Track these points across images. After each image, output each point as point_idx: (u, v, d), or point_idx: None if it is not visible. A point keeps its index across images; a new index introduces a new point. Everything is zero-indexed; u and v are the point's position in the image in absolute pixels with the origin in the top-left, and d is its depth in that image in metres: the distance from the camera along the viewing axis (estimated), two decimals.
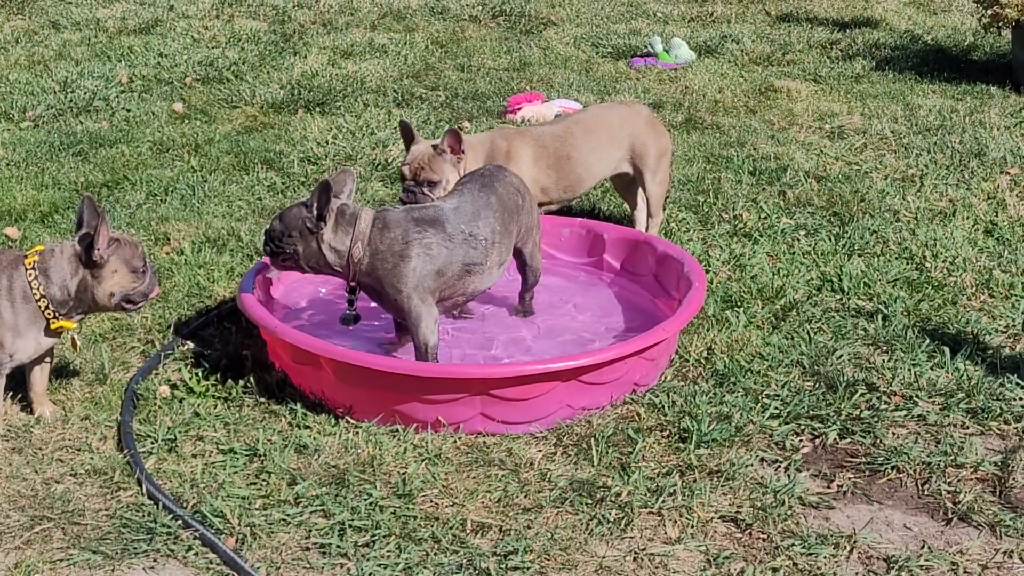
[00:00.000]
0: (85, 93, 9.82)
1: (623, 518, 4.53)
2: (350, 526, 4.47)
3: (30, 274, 4.90)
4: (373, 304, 5.51)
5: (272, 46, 11.59)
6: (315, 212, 5.18)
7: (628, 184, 6.93)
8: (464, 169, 6.15)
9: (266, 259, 5.54)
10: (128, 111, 9.52)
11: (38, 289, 4.89)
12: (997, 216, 7.35)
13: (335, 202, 5.30)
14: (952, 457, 4.90)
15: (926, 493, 4.73)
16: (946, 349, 5.69)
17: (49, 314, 4.92)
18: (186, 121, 9.32)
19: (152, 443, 5.01)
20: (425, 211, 5.36)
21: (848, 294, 6.30)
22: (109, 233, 4.92)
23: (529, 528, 4.47)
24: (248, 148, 8.59)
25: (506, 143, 6.42)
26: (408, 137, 6.21)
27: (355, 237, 5.23)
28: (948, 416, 5.20)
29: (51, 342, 5.07)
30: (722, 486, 4.71)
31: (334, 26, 12.49)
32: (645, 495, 4.65)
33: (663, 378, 5.50)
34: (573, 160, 6.53)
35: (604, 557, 4.34)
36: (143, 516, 4.54)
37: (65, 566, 4.30)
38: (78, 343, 5.33)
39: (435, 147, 6.10)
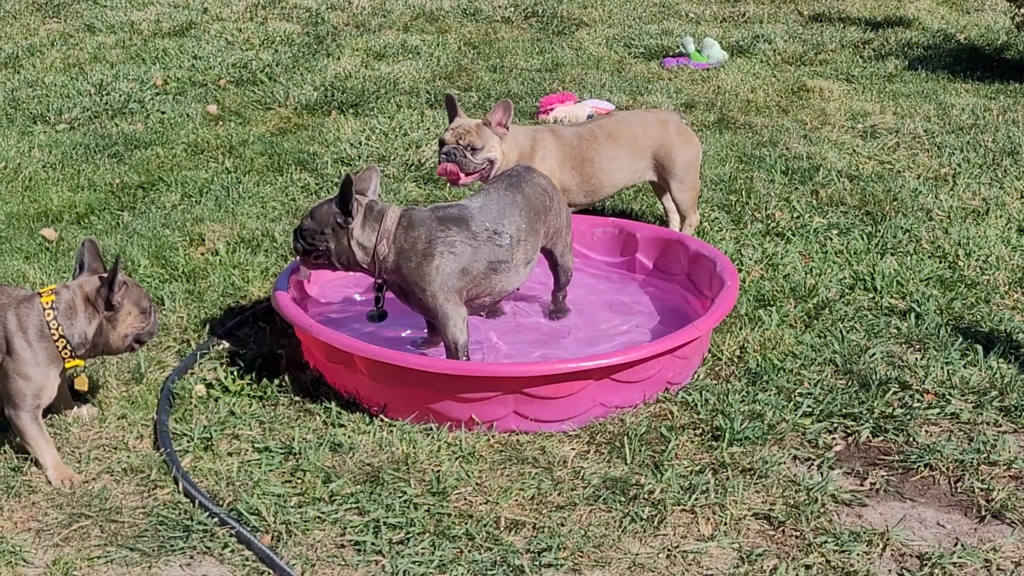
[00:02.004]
0: (120, 95, 9.87)
1: (656, 515, 4.54)
2: (384, 523, 4.49)
3: (48, 313, 4.85)
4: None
5: (305, 48, 11.63)
6: (341, 207, 5.23)
7: (662, 188, 6.94)
8: (504, 150, 6.22)
9: (298, 258, 5.56)
10: (163, 113, 9.58)
11: (56, 329, 4.85)
12: None
13: (363, 199, 5.33)
14: (985, 455, 4.90)
15: (959, 491, 4.73)
16: (979, 347, 5.68)
17: (66, 354, 4.89)
18: (220, 123, 9.37)
19: (188, 441, 5.05)
20: (450, 210, 5.38)
21: (881, 293, 6.29)
22: (121, 279, 4.93)
23: (563, 525, 4.49)
24: (282, 149, 8.63)
25: (538, 138, 6.46)
26: (452, 112, 6.29)
27: (380, 234, 5.26)
28: (981, 414, 5.20)
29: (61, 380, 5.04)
30: (755, 484, 4.72)
31: (367, 28, 12.53)
32: (678, 493, 4.66)
33: (696, 376, 5.51)
34: (595, 164, 6.54)
35: (637, 554, 4.35)
36: (180, 514, 4.58)
37: (103, 563, 4.34)
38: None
39: (484, 121, 6.19)
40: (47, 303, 4.86)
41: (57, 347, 4.85)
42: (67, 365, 4.93)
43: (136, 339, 5.05)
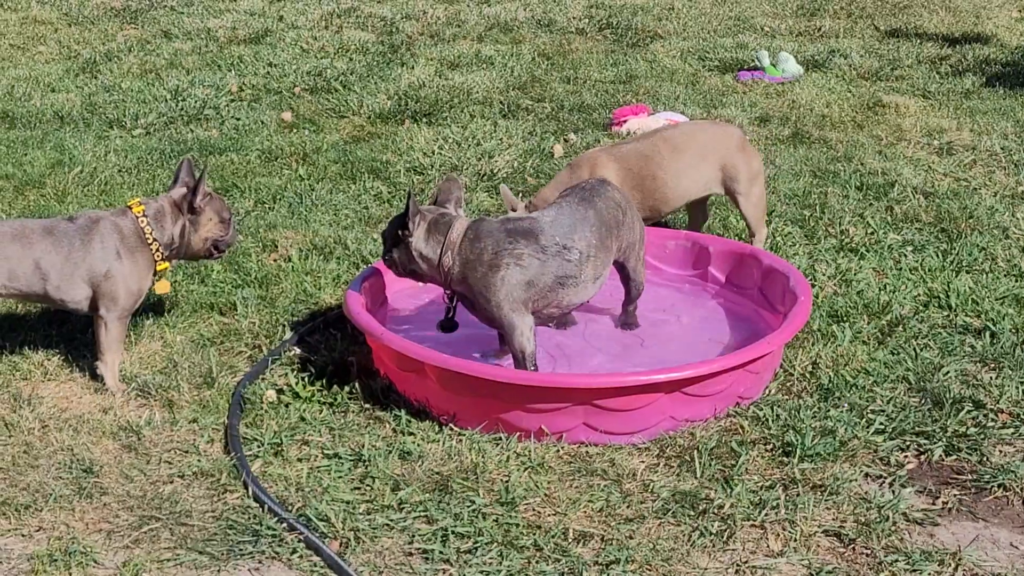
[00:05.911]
0: (196, 102, 9.95)
1: (725, 530, 4.52)
2: (453, 532, 4.50)
3: (142, 220, 5.51)
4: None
5: (380, 57, 11.67)
6: (399, 220, 5.33)
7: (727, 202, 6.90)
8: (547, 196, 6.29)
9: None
10: (237, 120, 9.64)
11: (150, 234, 5.51)
12: None
13: (434, 210, 5.36)
14: None
15: None
16: None
17: (159, 256, 5.54)
18: (294, 130, 9.42)
19: (258, 447, 5.07)
20: (520, 222, 5.37)
21: (955, 311, 6.23)
22: (205, 188, 5.59)
23: (631, 538, 4.48)
24: (355, 157, 8.66)
25: (590, 165, 6.45)
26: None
27: (445, 246, 5.28)
28: None
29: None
30: (826, 500, 4.69)
31: (441, 37, 12.56)
32: (748, 508, 4.64)
33: (767, 391, 5.48)
34: (659, 179, 6.50)
35: (706, 569, 4.33)
36: (249, 518, 4.60)
37: (172, 566, 4.36)
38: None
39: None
40: (139, 212, 5.52)
41: (151, 250, 5.50)
42: (157, 268, 5.59)
43: (215, 245, 5.72)
